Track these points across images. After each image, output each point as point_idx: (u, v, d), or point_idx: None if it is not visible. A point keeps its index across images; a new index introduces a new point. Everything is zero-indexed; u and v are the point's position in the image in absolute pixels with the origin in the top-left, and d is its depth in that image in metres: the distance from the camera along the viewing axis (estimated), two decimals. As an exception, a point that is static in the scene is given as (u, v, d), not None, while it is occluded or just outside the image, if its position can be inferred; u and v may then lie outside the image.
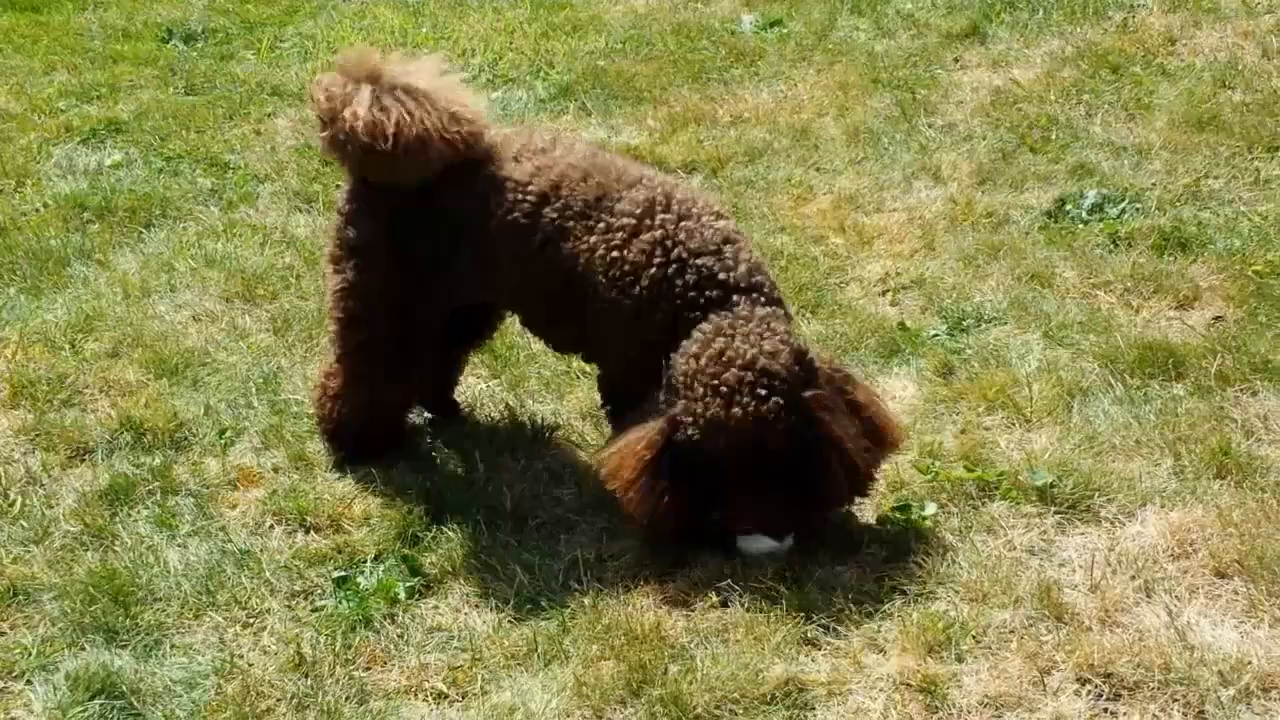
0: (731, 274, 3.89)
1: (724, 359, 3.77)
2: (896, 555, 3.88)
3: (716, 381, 3.75)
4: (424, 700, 3.58)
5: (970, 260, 5.40)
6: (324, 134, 4.23)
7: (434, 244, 4.20)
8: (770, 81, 7.31)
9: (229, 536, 4.17)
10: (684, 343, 3.84)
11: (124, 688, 3.60)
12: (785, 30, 7.95)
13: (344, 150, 4.18)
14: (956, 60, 7.33)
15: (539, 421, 4.65)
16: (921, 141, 6.44)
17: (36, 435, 4.68)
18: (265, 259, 5.76)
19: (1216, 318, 4.90)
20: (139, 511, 4.30)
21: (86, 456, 4.58)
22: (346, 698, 3.57)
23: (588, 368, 4.76)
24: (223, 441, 4.61)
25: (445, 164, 4.13)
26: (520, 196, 4.06)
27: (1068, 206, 5.72)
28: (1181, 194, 5.74)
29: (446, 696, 3.59)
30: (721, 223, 4.00)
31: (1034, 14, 7.67)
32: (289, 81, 7.72)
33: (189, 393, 4.87)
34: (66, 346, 5.19)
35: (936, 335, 4.95)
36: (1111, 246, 5.41)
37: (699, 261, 3.89)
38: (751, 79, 7.38)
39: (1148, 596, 3.69)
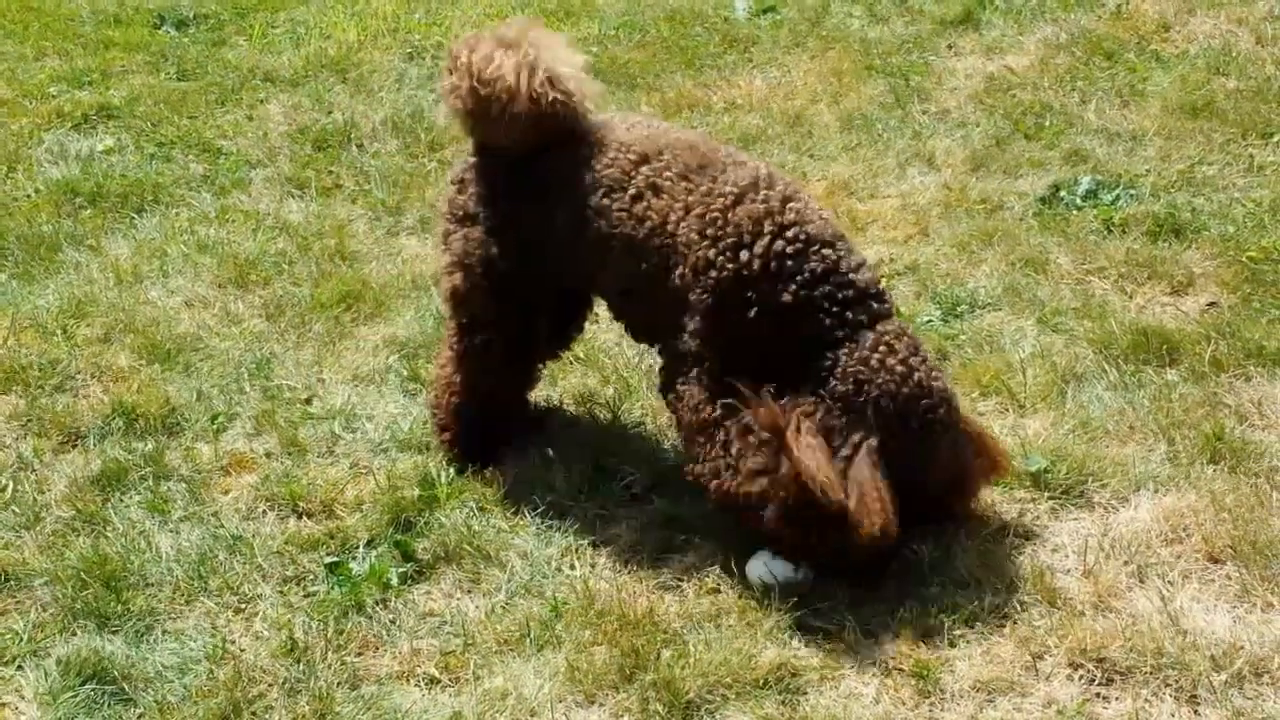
0: (858, 275, 3.76)
1: (919, 384, 3.68)
2: (889, 540, 3.88)
3: (919, 408, 3.67)
4: (416, 685, 3.58)
5: (964, 246, 5.40)
6: (444, 82, 4.24)
7: (538, 210, 4.14)
8: (764, 68, 7.30)
9: (221, 522, 4.17)
10: (864, 355, 3.67)
11: (115, 673, 3.60)
12: (779, 16, 7.94)
13: (454, 104, 4.19)
14: (950, 47, 7.32)
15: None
16: (915, 128, 6.43)
17: (28, 421, 4.67)
18: (258, 245, 5.75)
19: (1210, 304, 4.89)
20: (131, 497, 4.29)
21: (78, 442, 4.58)
22: (338, 683, 3.57)
23: (581, 354, 4.75)
24: (215, 427, 4.60)
25: (542, 129, 4.09)
26: (621, 155, 4.02)
27: (1062, 193, 5.72)
28: (1176, 180, 5.73)
29: (439, 682, 3.59)
30: (829, 214, 3.92)
31: (1028, 0, 7.65)
32: (281, 67, 7.69)
33: (181, 378, 4.86)
34: (58, 332, 5.18)
35: (930, 321, 4.94)
36: (1106, 233, 5.40)
37: (822, 251, 3.74)
38: (745, 65, 7.37)
39: (1140, 581, 3.70)
